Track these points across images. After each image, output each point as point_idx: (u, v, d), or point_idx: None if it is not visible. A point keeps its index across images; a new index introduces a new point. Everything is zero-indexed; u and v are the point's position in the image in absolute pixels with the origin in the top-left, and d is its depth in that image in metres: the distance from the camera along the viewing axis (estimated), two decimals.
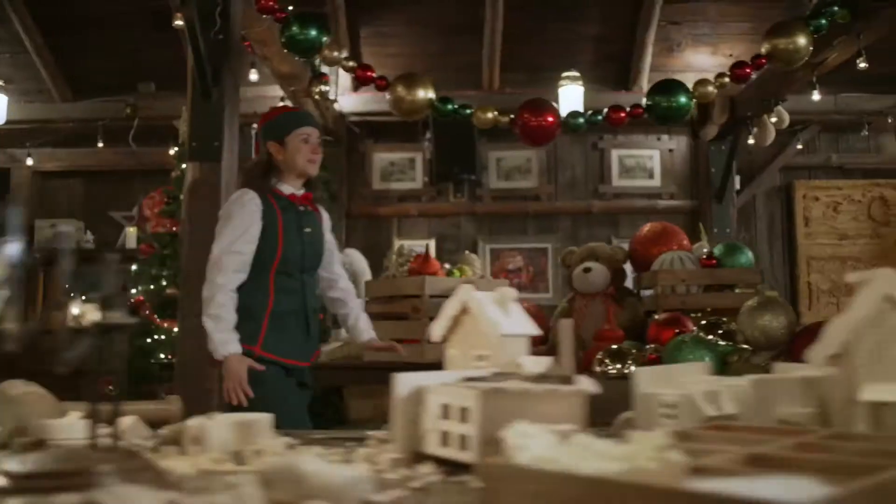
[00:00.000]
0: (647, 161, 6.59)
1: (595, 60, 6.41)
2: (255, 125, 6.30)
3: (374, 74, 3.61)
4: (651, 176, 6.57)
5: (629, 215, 6.49)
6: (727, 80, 3.49)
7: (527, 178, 6.56)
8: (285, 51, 3.88)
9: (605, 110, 3.56)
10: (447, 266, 4.10)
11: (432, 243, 6.43)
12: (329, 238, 2.74)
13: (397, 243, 6.45)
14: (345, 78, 6.35)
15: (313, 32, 3.50)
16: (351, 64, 3.64)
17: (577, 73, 4.75)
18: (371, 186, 6.58)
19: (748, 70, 3.42)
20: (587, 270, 3.97)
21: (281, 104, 5.30)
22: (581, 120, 3.43)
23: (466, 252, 4.40)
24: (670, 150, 6.62)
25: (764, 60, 3.45)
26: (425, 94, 3.47)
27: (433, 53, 6.32)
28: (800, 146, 6.44)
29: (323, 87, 5.16)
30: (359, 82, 3.74)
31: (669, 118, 3.47)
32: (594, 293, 4.00)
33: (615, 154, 6.59)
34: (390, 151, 6.58)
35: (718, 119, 5.96)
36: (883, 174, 6.53)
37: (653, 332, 3.40)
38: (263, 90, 5.65)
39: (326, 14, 5.88)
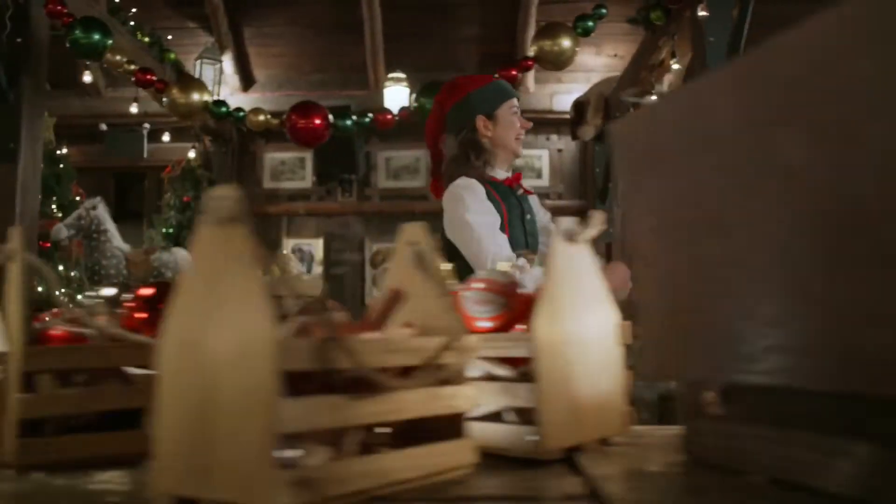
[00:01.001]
0: (535, 161, 6.60)
1: (479, 61, 6.44)
2: (146, 125, 6.47)
3: (153, 78, 3.67)
4: (539, 176, 6.58)
5: None
6: None
7: (415, 178, 6.61)
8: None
9: (371, 114, 3.60)
10: None
11: (320, 242, 6.52)
12: (544, 221, 2.34)
13: (287, 242, 6.54)
14: (234, 79, 6.48)
15: (97, 37, 3.58)
16: (132, 67, 3.71)
17: (402, 75, 4.78)
18: (262, 185, 6.67)
19: (514, 72, 3.44)
20: (385, 270, 4.01)
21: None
22: (349, 122, 3.47)
23: (283, 252, 4.45)
24: (559, 150, 6.63)
25: (531, 63, 3.47)
26: (200, 97, 3.54)
27: (317, 53, 6.39)
28: None
29: None
30: (138, 84, 3.81)
31: None
32: None
33: None
34: (281, 151, 6.66)
35: (593, 119, 5.95)
36: None
37: None
38: (122, 91, 5.76)
39: (206, 15, 5.99)
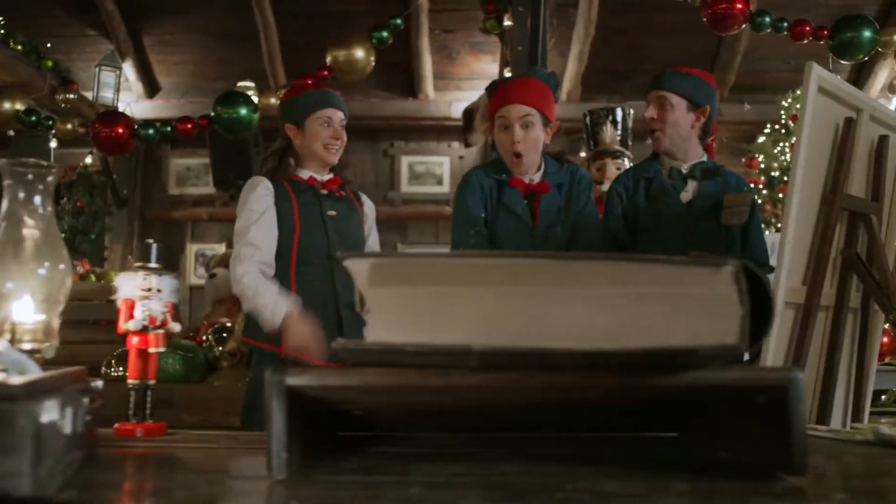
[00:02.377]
0: (436, 167, 6.62)
1: (380, 68, 6.45)
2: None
3: None
4: (440, 182, 6.61)
5: (417, 221, 6.54)
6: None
7: None
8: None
9: (174, 123, 3.65)
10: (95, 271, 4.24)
11: (223, 247, 6.59)
12: (370, 230, 2.46)
13: (191, 247, 6.62)
14: (138, 85, 6.58)
15: None
16: None
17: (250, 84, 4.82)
18: (167, 191, 6.76)
19: (309, 81, 3.48)
20: (212, 276, 4.07)
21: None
22: (152, 131, 3.53)
23: (129, 258, 4.51)
24: (460, 157, 6.65)
25: (326, 72, 3.51)
26: (11, 105, 3.61)
27: (219, 61, 6.46)
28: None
29: (70, 95, 5.37)
30: None
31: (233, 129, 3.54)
32: (223, 298, 4.09)
33: (405, 161, 6.65)
34: (186, 157, 6.74)
35: (480, 126, 5.95)
36: None
37: None
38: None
39: (102, 22, 6.10)
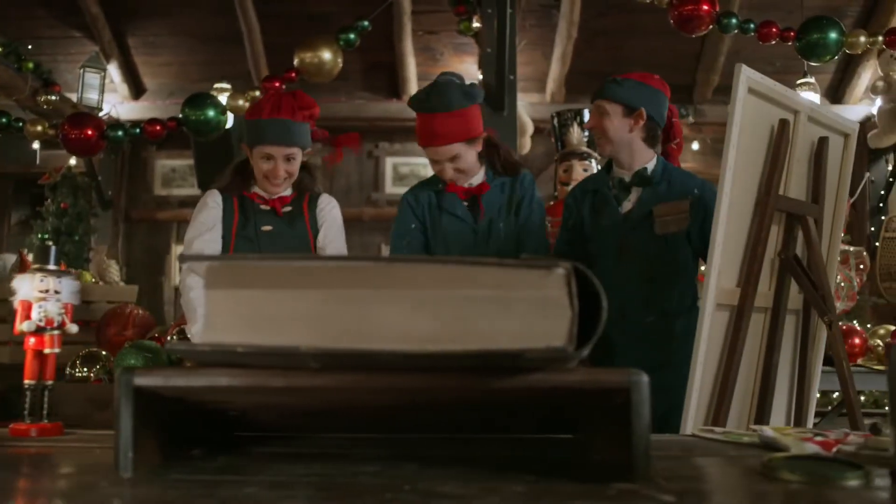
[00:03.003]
0: (421, 169, 6.62)
1: (363, 70, 6.49)
2: None
3: None
4: None
5: None
6: (260, 94, 3.57)
7: None
8: None
9: (142, 125, 3.66)
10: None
11: None
12: (329, 234, 2.41)
13: (176, 248, 6.64)
14: (123, 87, 6.60)
15: None
16: None
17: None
18: (152, 192, 6.78)
19: (277, 84, 3.49)
20: None
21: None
22: (121, 133, 3.55)
23: (105, 259, 4.53)
24: None
25: (294, 74, 3.52)
26: None
27: (204, 62, 6.48)
28: None
29: (51, 97, 5.38)
30: None
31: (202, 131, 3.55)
32: None
33: (389, 162, 6.67)
34: (171, 158, 6.76)
35: None
36: None
37: None
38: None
39: (87, 24, 6.12)
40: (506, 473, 0.89)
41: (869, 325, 5.25)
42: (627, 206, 2.22)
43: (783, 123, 1.92)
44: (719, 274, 1.81)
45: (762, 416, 2.02)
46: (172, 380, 0.89)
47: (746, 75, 1.80)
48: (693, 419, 1.80)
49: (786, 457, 0.99)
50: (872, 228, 6.02)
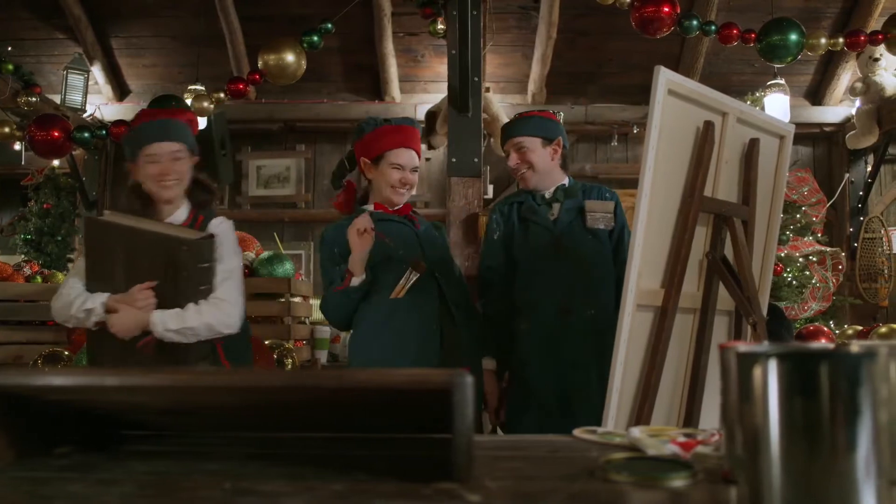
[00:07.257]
0: None
1: (346, 72, 6.51)
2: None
3: None
4: None
5: None
6: (224, 95, 3.59)
7: (285, 186, 6.70)
8: None
9: (108, 127, 3.69)
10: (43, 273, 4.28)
11: None
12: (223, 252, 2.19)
13: None
14: (107, 88, 6.63)
15: None
16: None
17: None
18: None
19: (241, 86, 3.51)
20: None
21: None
22: (87, 135, 3.57)
23: (70, 264, 4.55)
24: (427, 160, 6.65)
25: (258, 76, 3.54)
26: None
27: (188, 64, 6.50)
28: None
29: (32, 98, 5.42)
30: None
31: None
32: None
33: None
34: None
35: (441, 128, 5.99)
36: (635, 184, 6.43)
37: None
38: None
39: (70, 26, 6.16)
40: (340, 472, 0.90)
41: (846, 326, 5.25)
42: (552, 215, 2.46)
43: (707, 125, 1.93)
44: (640, 275, 1.82)
45: (691, 416, 2.02)
46: (9, 379, 0.91)
47: (665, 77, 1.81)
48: (614, 418, 1.81)
49: (625, 457, 1.00)
50: (852, 229, 6.01)
